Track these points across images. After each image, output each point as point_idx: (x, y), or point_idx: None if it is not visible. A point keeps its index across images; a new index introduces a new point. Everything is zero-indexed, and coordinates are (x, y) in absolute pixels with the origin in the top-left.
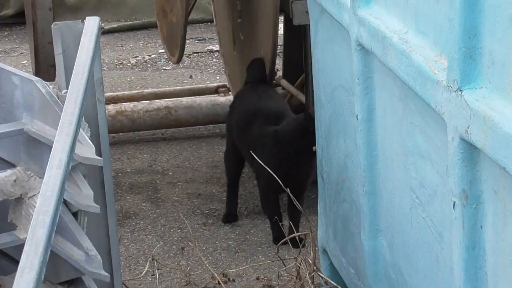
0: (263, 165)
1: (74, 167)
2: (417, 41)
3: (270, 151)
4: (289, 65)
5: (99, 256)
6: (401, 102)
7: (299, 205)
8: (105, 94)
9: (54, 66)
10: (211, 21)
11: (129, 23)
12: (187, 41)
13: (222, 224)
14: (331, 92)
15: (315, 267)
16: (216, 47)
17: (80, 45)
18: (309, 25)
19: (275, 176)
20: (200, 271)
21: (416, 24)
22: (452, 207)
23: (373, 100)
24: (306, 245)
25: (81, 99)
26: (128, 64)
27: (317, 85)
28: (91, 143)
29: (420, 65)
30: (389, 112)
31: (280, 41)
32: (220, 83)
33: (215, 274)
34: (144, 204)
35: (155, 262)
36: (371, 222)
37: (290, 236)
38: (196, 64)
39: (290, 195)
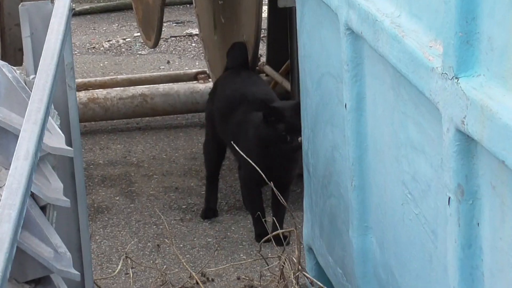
0: (244, 156)
1: (42, 157)
2: (410, 25)
3: (252, 140)
4: (273, 50)
5: (68, 253)
6: (392, 90)
7: (283, 200)
8: (76, 80)
9: (21, 49)
10: (190, 3)
11: (102, 4)
12: (164, 24)
13: (201, 220)
14: (318, 79)
15: (300, 267)
16: (195, 31)
17: (49, 27)
18: (295, 7)
19: (257, 168)
20: (177, 270)
21: (410, 7)
22: (447, 203)
23: (363, 88)
24: (291, 242)
25: (50, 85)
26: (101, 49)
27: (303, 72)
28: (60, 132)
29: (414, 50)
30: (380, 101)
31: (264, 24)
32: (200, 69)
33: (193, 274)
34: (117, 198)
35: (128, 260)
36: (360, 219)
37: (274, 233)
38: (174, 48)
39: (274, 189)
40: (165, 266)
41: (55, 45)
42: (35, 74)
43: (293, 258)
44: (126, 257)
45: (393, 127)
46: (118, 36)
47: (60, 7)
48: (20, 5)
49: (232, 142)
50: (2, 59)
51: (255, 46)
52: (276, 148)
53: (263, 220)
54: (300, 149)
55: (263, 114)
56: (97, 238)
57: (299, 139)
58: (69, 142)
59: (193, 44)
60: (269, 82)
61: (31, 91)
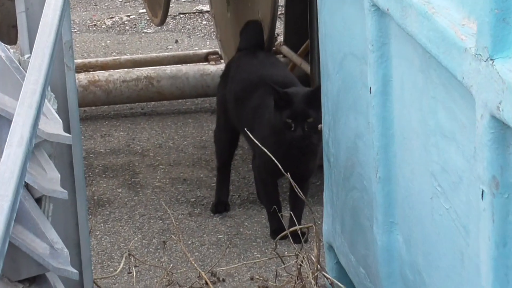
0: (259, 144)
1: (37, 144)
2: (441, 1)
3: (267, 127)
4: (291, 28)
5: (66, 250)
6: (421, 73)
7: (301, 193)
8: (76, 60)
9: (15, 26)
10: None
11: None
12: (172, 0)
13: (211, 214)
14: (340, 60)
15: (319, 266)
16: (206, 7)
17: (46, 1)
18: None
19: (273, 157)
20: (184, 269)
21: None
22: (480, 196)
23: (389, 70)
24: (309, 240)
25: (46, 65)
26: (102, 26)
27: (324, 53)
28: (58, 117)
29: (445, 29)
30: (407, 84)
31: (281, 1)
32: (211, 49)
33: (202, 273)
34: (119, 190)
35: (131, 258)
36: (385, 214)
37: (291, 229)
38: (182, 26)
39: (291, 181)
40: (171, 265)
41: (53, 21)
42: (30, 53)
43: (312, 257)
44: (129, 254)
45: (422, 113)
46: (121, 13)
47: None
48: None
49: (246, 129)
50: None
51: (271, 24)
52: (282, 136)
53: (279, 215)
54: (307, 139)
55: (274, 98)
56: (97, 233)
57: (319, 126)
58: (67, 128)
59: (204, 22)
60: (286, 64)
61: (26, 71)
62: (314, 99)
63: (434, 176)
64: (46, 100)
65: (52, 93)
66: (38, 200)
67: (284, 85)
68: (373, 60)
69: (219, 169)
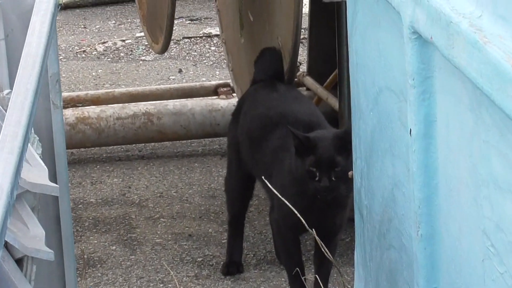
0: (278, 194)
1: (19, 196)
2: (494, 29)
3: (288, 174)
4: (316, 56)
5: None
6: (471, 112)
7: (328, 253)
8: (62, 94)
9: None
10: None
11: None
12: (176, 22)
13: (221, 277)
14: (375, 96)
15: None
16: (215, 30)
17: (29, 27)
18: (344, 2)
19: (295, 210)
20: None
21: (494, 6)
22: None
23: (433, 109)
24: None
25: (30, 104)
26: (93, 53)
27: (355, 86)
28: (43, 163)
29: (499, 62)
30: (454, 126)
31: (305, 23)
32: (221, 81)
33: None
34: (113, 247)
35: None
36: (428, 278)
37: None
38: (187, 53)
39: (317, 238)
40: None
41: (37, 51)
42: (11, 88)
43: None
44: None
45: (472, 159)
46: (115, 37)
47: (43, 1)
48: None
49: (263, 176)
50: None
51: (293, 51)
52: (304, 186)
53: (302, 278)
54: (335, 191)
55: (294, 143)
56: None
57: (350, 173)
58: (53, 177)
59: (213, 48)
60: (310, 98)
61: (5, 110)
62: (343, 144)
63: (486, 234)
64: (29, 144)
65: (36, 136)
66: (19, 262)
67: (309, 125)
68: (414, 96)
69: (231, 223)
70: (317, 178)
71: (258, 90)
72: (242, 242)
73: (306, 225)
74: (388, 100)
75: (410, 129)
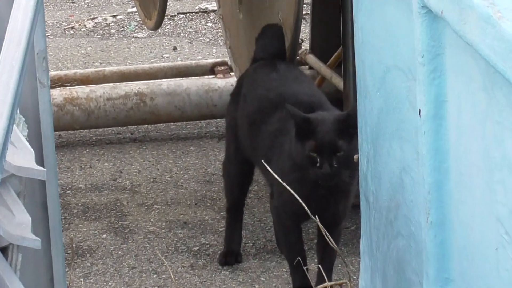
0: (279, 179)
1: (4, 181)
2: (509, 3)
3: (290, 158)
4: (319, 33)
5: None
6: (484, 92)
7: (332, 242)
8: (49, 73)
9: None
10: None
11: None
12: None
13: (218, 267)
14: (382, 75)
15: None
16: (212, 5)
17: (14, 1)
18: None
19: (297, 196)
20: None
21: None
22: None
23: (444, 88)
24: None
25: (15, 82)
26: (82, 29)
27: (361, 65)
28: (29, 146)
29: None
30: (466, 106)
31: None
32: (218, 59)
33: None
34: (104, 235)
35: None
36: (439, 268)
37: (320, 286)
38: (182, 30)
39: (320, 226)
40: None
41: (23, 26)
42: None
43: None
44: None
45: (485, 142)
46: (105, 12)
47: None
48: None
49: (262, 160)
50: None
51: (294, 28)
52: (305, 172)
53: (304, 268)
54: (336, 177)
55: (294, 126)
56: None
57: (355, 157)
58: (40, 160)
59: (209, 24)
60: (313, 78)
61: None
62: (345, 127)
63: (500, 221)
64: (14, 126)
65: (21, 116)
66: (4, 250)
67: (310, 106)
68: (424, 75)
69: (229, 210)
70: (318, 164)
71: (257, 70)
72: (241, 231)
73: (309, 212)
74: (396, 79)
75: (420, 110)
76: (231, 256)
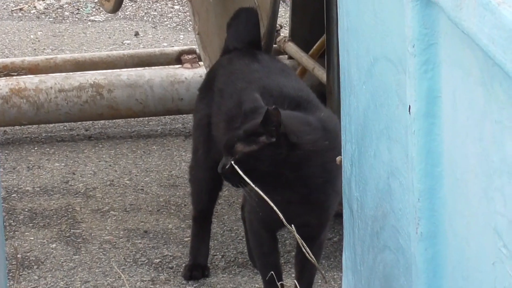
0: (252, 184)
1: None
2: None
3: None
4: (300, 18)
5: None
6: (482, 87)
7: (310, 254)
8: None
9: None
10: None
11: None
12: None
13: (183, 282)
14: (369, 66)
15: None
16: None
17: None
18: None
19: (270, 202)
20: None
21: None
22: None
23: (437, 82)
24: None
25: None
26: (32, 11)
27: (346, 55)
28: None
29: None
30: (462, 103)
31: None
32: (185, 47)
33: None
34: (53, 245)
35: None
36: (430, 285)
37: None
38: (145, 13)
39: (297, 236)
40: None
41: None
42: None
43: None
44: None
45: (483, 144)
46: None
47: None
48: None
49: (232, 162)
50: None
51: (271, 12)
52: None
53: (278, 284)
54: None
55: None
56: None
57: (338, 158)
58: None
59: (176, 7)
60: (293, 69)
61: None
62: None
63: (498, 233)
64: None
65: None
66: None
67: (297, 102)
68: (415, 67)
69: (195, 219)
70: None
71: (234, 60)
72: (209, 241)
73: (283, 220)
74: (384, 71)
75: (410, 106)
76: (197, 270)
